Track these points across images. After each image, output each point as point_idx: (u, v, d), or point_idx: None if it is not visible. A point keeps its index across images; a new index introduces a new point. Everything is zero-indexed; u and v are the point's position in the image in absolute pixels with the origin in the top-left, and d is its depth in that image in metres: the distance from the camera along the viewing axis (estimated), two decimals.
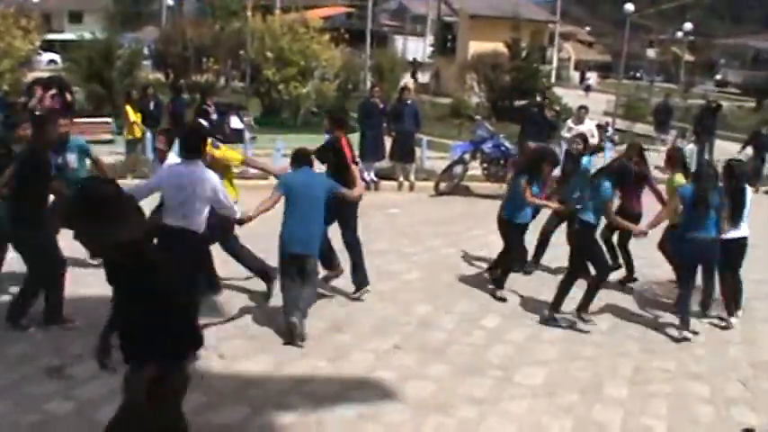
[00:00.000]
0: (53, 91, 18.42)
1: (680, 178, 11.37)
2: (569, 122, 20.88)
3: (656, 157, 19.12)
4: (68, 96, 19.97)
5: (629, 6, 38.35)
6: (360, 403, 7.83)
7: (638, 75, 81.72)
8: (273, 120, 29.12)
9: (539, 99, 30.70)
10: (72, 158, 10.95)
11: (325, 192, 9.57)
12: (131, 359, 5.13)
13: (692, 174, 11.20)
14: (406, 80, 39.82)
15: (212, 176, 8.56)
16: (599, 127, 21.30)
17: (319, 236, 9.83)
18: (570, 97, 38.67)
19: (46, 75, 26.96)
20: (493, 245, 14.42)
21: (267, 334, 9.48)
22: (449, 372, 8.75)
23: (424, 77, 52.90)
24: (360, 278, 10.99)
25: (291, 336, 9.15)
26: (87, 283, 10.50)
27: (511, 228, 11.73)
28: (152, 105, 20.91)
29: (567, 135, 19.93)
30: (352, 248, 11.09)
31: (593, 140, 19.42)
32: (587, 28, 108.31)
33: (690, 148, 25.83)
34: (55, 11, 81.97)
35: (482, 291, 11.76)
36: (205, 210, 8.55)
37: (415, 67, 56.13)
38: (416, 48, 65.90)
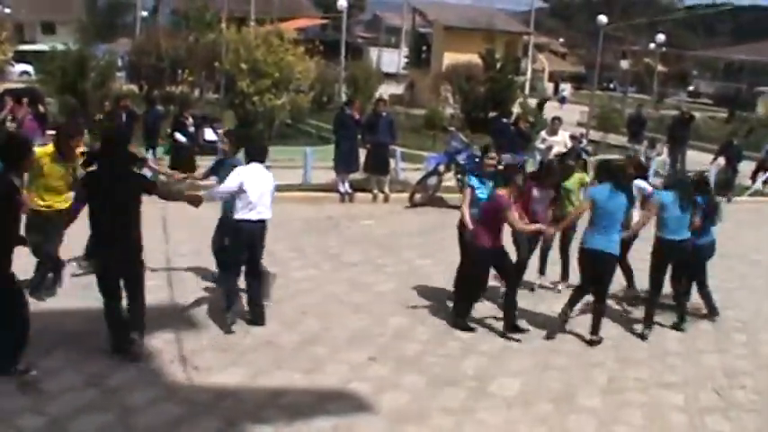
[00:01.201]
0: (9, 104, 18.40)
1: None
2: (543, 134, 21.00)
3: None
4: (41, 108, 19.90)
5: (603, 18, 38.53)
6: (335, 415, 7.85)
7: (611, 86, 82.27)
8: (248, 131, 29.04)
9: (515, 110, 30.84)
10: None
11: None
12: None
13: (673, 181, 11.41)
14: (381, 92, 39.89)
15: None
16: (573, 138, 21.38)
17: None
18: (545, 108, 38.86)
19: (19, 86, 26.91)
20: None
21: (241, 346, 9.46)
22: (424, 382, 8.78)
23: (398, 89, 52.97)
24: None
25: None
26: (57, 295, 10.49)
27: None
28: (124, 117, 20.79)
29: (542, 146, 20.07)
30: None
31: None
32: (561, 39, 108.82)
33: (661, 159, 26.05)
34: (27, 21, 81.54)
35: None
36: None
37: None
38: (391, 59, 66.06)
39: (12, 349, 8.10)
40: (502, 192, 10.22)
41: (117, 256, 8.47)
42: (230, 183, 9.84)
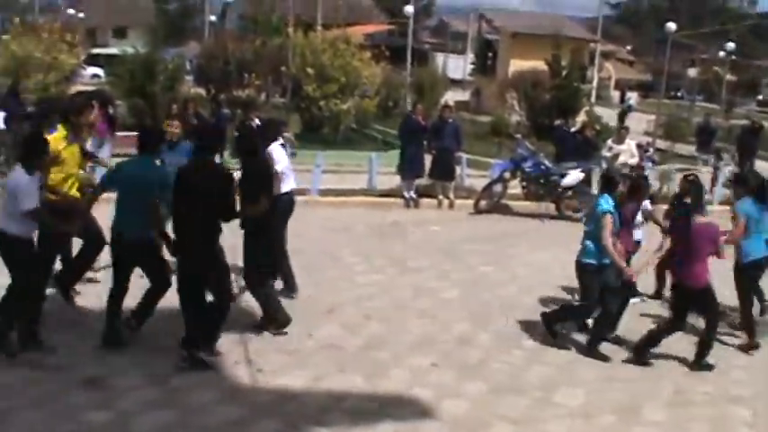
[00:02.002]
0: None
1: None
2: (609, 142, 20.78)
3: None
4: (111, 110, 20.16)
5: (671, 25, 38.14)
6: (396, 420, 7.81)
7: (678, 94, 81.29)
8: (314, 136, 29.15)
9: (579, 119, 30.62)
10: None
11: None
12: None
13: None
14: (446, 98, 39.81)
15: None
16: (639, 147, 21.13)
17: None
18: (610, 117, 38.52)
19: (90, 88, 27.29)
20: (533, 264, 14.42)
21: (304, 349, 9.47)
22: (486, 390, 8.71)
23: (464, 95, 52.80)
24: None
25: None
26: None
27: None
28: (193, 120, 20.94)
29: (608, 155, 19.86)
30: None
31: (634, 160, 19.32)
32: (628, 47, 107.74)
33: (730, 170, 25.62)
34: (100, 26, 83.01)
35: (521, 310, 11.67)
36: None
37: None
38: (457, 65, 65.90)
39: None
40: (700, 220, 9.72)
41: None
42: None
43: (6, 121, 19.32)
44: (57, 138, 9.28)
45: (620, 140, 20.14)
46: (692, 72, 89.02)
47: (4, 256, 8.48)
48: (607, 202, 9.82)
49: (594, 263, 9.86)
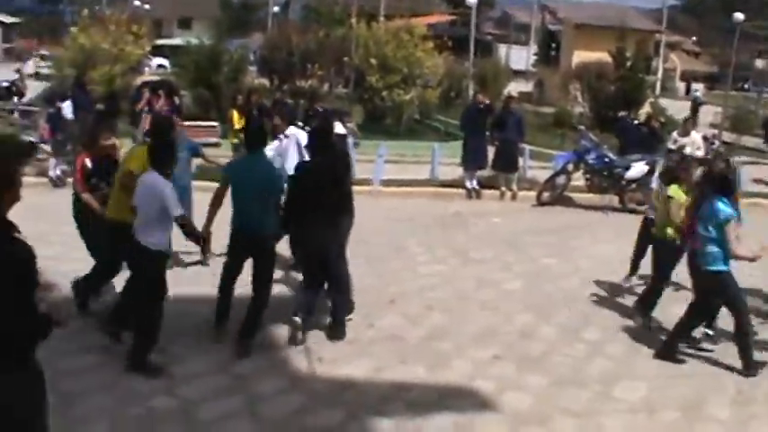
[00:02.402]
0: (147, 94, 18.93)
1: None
2: (675, 134, 20.52)
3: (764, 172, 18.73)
4: (177, 100, 20.43)
5: (739, 15, 37.54)
6: (457, 412, 7.79)
7: (746, 86, 79.98)
8: (376, 126, 29.20)
9: (643, 110, 30.31)
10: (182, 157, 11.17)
11: None
12: None
13: None
14: (509, 89, 39.66)
15: None
16: (705, 139, 20.85)
17: None
18: (675, 109, 38.04)
19: (155, 79, 27.63)
20: (596, 256, 14.30)
21: (365, 339, 9.49)
22: (547, 383, 8.64)
23: (527, 86, 52.52)
24: None
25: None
26: (191, 282, 10.71)
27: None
28: (255, 111, 21.06)
29: (673, 147, 19.62)
30: None
31: (699, 153, 19.06)
32: (694, 38, 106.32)
33: None
34: (165, 17, 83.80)
35: (583, 303, 11.59)
36: None
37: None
38: (520, 56, 65.57)
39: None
40: None
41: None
42: None
43: (74, 111, 19.62)
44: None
45: (686, 133, 19.87)
46: (761, 63, 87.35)
47: (138, 268, 8.36)
48: (727, 206, 9.17)
49: (725, 269, 9.29)
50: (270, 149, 10.68)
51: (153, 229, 7.97)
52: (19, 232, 4.74)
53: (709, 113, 42.68)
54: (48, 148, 18.69)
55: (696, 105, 42.94)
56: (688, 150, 18.97)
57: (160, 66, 50.11)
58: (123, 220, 8.39)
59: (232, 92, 26.80)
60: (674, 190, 10.35)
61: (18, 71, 41.88)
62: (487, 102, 19.78)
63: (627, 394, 8.53)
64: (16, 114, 24.50)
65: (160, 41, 53.93)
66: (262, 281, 8.84)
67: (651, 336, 10.31)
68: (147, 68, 39.30)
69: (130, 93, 24.05)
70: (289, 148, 11.87)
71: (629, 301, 11.60)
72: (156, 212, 7.90)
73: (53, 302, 5.05)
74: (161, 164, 8.06)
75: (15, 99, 31.23)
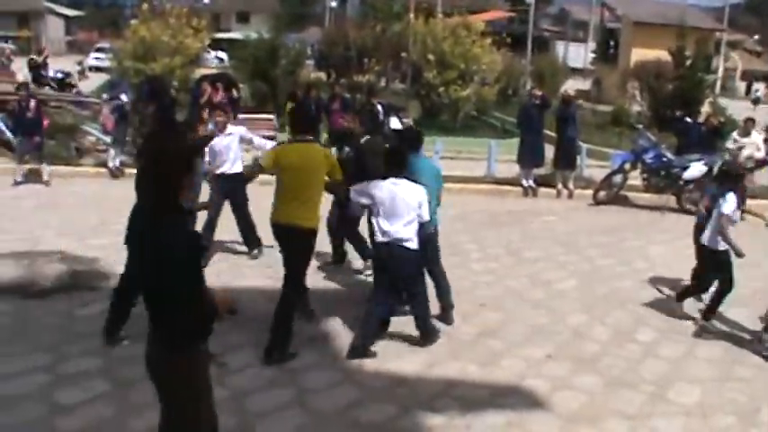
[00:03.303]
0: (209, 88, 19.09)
1: None
2: (735, 135, 20.30)
3: None
4: (235, 93, 20.58)
5: None
6: (508, 410, 7.79)
7: None
8: (433, 122, 29.18)
9: (703, 110, 29.99)
10: None
11: None
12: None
13: None
14: (567, 87, 39.48)
15: None
16: (766, 141, 20.57)
17: None
18: (736, 109, 37.55)
19: (213, 72, 27.85)
20: (652, 257, 14.19)
21: (417, 335, 9.48)
22: (600, 384, 8.60)
23: (584, 84, 52.24)
24: None
25: None
26: (244, 274, 10.80)
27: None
28: (313, 105, 21.16)
29: (733, 147, 19.41)
30: None
31: (759, 154, 18.84)
32: (756, 36, 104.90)
33: None
34: (224, 11, 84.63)
35: (637, 304, 11.50)
36: None
37: None
38: (577, 54, 65.21)
39: None
40: None
41: None
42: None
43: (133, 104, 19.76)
44: None
45: (746, 133, 19.64)
46: None
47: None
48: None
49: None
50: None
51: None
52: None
53: None
54: (108, 139, 18.93)
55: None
56: (747, 152, 18.77)
57: (218, 59, 50.51)
58: None
59: (289, 85, 27.01)
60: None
61: (80, 63, 42.48)
62: (540, 94, 19.70)
63: (681, 397, 8.45)
64: (73, 106, 24.79)
65: (219, 35, 54.39)
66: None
67: (706, 338, 10.23)
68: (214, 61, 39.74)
69: (190, 86, 24.28)
70: (231, 146, 11.79)
71: (685, 303, 11.50)
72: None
73: (217, 294, 5.20)
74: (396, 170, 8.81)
75: (73, 90, 31.74)
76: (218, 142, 11.40)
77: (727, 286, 10.33)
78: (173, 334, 4.97)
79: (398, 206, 8.57)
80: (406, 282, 8.97)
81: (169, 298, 4.80)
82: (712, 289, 10.53)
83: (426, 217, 8.69)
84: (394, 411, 7.58)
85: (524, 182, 19.22)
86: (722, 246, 10.19)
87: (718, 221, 10.14)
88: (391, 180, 8.68)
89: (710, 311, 10.43)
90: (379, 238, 8.70)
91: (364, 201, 8.89)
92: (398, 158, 8.83)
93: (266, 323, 8.68)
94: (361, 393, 7.87)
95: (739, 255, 10.08)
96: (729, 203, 10.08)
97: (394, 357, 8.77)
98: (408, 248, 8.66)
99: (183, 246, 4.74)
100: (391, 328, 9.50)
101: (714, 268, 10.45)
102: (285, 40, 33.63)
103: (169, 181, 4.73)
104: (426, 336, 9.28)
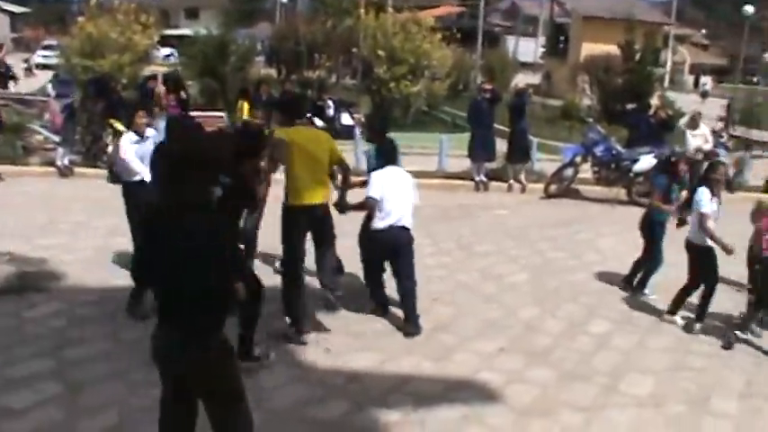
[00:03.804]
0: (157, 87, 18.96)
1: None
2: (683, 126, 20.53)
3: None
4: (183, 94, 20.41)
5: (749, 8, 37.50)
6: (463, 404, 7.79)
7: (754, 79, 79.81)
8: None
9: (653, 102, 30.25)
10: None
11: None
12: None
13: None
14: (517, 81, 39.68)
15: None
16: (714, 133, 20.79)
17: None
18: (684, 102, 37.92)
19: (163, 69, 27.59)
20: (603, 249, 14.30)
21: (371, 331, 9.50)
22: (553, 376, 8.65)
23: (534, 78, 52.51)
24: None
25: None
26: None
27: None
28: (264, 100, 21.04)
29: (692, 141, 19.51)
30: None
31: (708, 146, 19.02)
32: (703, 30, 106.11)
33: None
34: (172, 7, 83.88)
35: (588, 296, 11.59)
36: None
37: None
38: (527, 48, 65.48)
39: None
40: None
41: None
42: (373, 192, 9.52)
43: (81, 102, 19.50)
44: None
45: (694, 126, 19.83)
46: None
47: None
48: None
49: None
50: (131, 150, 10.07)
51: None
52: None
53: (717, 107, 42.58)
54: (56, 138, 18.67)
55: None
56: (696, 144, 18.95)
57: (168, 56, 50.10)
58: None
59: (239, 82, 26.85)
60: None
61: (26, 61, 41.90)
62: (490, 88, 19.77)
63: (633, 388, 8.52)
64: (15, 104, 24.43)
65: (168, 31, 53.94)
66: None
67: (658, 329, 10.34)
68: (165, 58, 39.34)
69: (139, 83, 24.05)
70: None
71: (635, 294, 11.65)
72: None
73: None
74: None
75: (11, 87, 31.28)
76: (139, 147, 10.19)
77: (712, 281, 10.35)
78: (217, 330, 5.21)
79: (403, 190, 9.68)
80: (404, 260, 9.72)
81: (216, 292, 5.02)
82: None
83: (418, 200, 9.96)
84: (348, 408, 7.55)
85: (476, 176, 19.27)
86: (708, 242, 10.20)
87: (699, 221, 10.18)
88: (389, 168, 9.61)
89: (703, 311, 10.48)
90: (385, 223, 9.47)
91: (378, 192, 9.40)
92: (391, 150, 9.89)
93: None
94: (316, 391, 7.83)
95: (728, 251, 10.05)
96: (705, 201, 10.12)
97: (347, 354, 8.75)
98: (409, 229, 9.68)
99: (232, 237, 5.17)
100: (343, 325, 9.50)
101: (702, 264, 10.38)
102: (235, 36, 33.44)
103: (209, 178, 5.05)
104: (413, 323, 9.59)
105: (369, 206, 9.43)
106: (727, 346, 9.89)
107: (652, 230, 11.55)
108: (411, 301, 9.69)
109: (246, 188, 7.52)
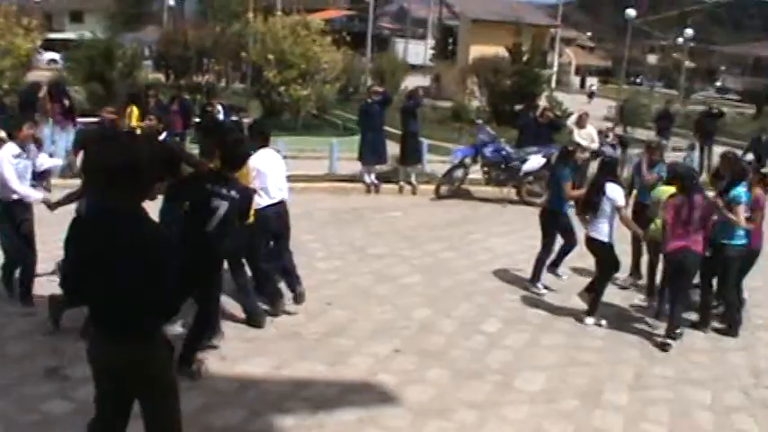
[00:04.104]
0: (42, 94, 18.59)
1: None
2: (570, 124, 20.93)
3: None
4: (67, 102, 19.99)
5: (631, 12, 38.41)
6: (360, 407, 7.81)
7: (638, 80, 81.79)
8: (274, 122, 28.98)
9: (541, 104, 30.78)
10: None
11: None
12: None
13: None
14: (407, 83, 39.88)
15: None
16: (600, 133, 21.21)
17: None
18: (572, 102, 38.63)
19: (47, 74, 26.94)
20: (494, 249, 14.47)
21: (265, 336, 9.45)
22: (448, 376, 8.72)
23: (424, 81, 52.87)
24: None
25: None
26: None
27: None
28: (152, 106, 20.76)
29: (581, 140, 19.88)
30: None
31: (594, 146, 19.40)
32: (588, 33, 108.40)
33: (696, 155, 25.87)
34: (56, 10, 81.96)
35: (481, 295, 11.73)
36: None
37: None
38: (417, 51, 65.92)
39: None
40: None
41: None
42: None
43: None
44: None
45: (581, 125, 20.21)
46: (652, 58, 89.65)
47: None
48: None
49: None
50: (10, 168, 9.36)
51: None
52: None
53: (602, 107, 43.50)
54: None
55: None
56: (583, 143, 19.32)
57: (51, 60, 49.02)
58: None
59: (127, 87, 26.39)
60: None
61: None
62: (382, 91, 19.84)
63: (526, 385, 8.66)
64: None
65: (51, 35, 52.78)
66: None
67: (549, 327, 10.54)
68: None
69: (21, 89, 23.43)
70: (35, 161, 10.28)
71: (527, 292, 11.86)
72: None
73: None
74: None
75: None
76: (20, 162, 9.48)
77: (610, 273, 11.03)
78: (153, 329, 5.26)
79: (280, 170, 10.04)
80: (287, 234, 10.29)
81: (152, 291, 4.95)
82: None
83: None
84: (244, 415, 7.50)
85: (367, 179, 19.30)
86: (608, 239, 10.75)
87: (616, 214, 10.73)
88: (264, 150, 9.84)
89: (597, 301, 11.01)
90: (270, 200, 9.75)
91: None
92: (265, 133, 10.28)
93: None
94: (211, 398, 7.75)
95: (643, 238, 11.33)
96: (618, 194, 10.66)
97: (241, 360, 8.68)
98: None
99: (163, 238, 5.20)
100: (237, 331, 9.43)
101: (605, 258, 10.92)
102: (121, 41, 32.92)
103: (144, 184, 5.08)
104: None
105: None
106: (674, 337, 10.26)
107: (556, 221, 11.84)
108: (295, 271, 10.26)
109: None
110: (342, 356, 9.07)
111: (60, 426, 7.08)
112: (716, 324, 11.05)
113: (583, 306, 11.05)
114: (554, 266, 12.32)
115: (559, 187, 11.81)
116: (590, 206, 10.79)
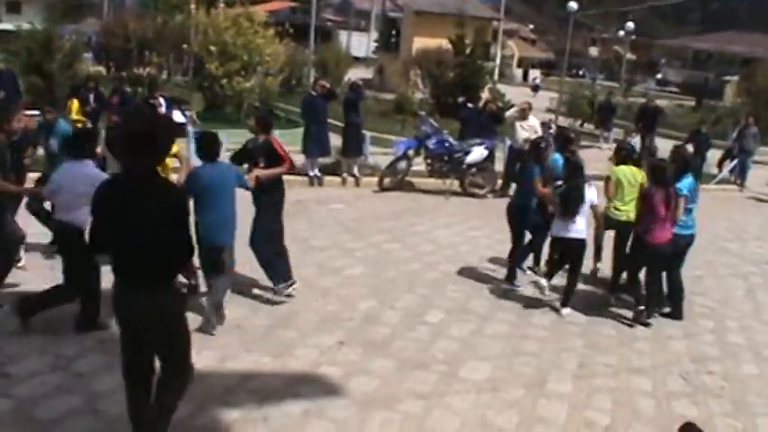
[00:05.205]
0: None
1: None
2: (511, 116, 21.05)
3: (597, 155, 19.27)
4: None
5: (573, 5, 38.62)
6: (305, 399, 7.81)
7: (580, 73, 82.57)
8: (216, 114, 28.88)
9: (483, 95, 30.97)
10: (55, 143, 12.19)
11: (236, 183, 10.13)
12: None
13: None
14: (350, 75, 39.87)
15: None
16: (543, 124, 21.37)
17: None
18: (514, 94, 38.86)
19: None
20: (437, 240, 14.52)
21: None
22: (393, 367, 8.75)
23: (367, 73, 52.83)
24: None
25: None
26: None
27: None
28: (92, 98, 20.58)
29: (525, 134, 19.99)
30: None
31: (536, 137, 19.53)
32: (531, 26, 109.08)
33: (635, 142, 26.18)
34: None
35: (425, 286, 11.79)
36: None
37: None
38: (360, 43, 65.95)
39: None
40: None
41: None
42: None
43: None
44: None
45: (524, 117, 20.34)
46: (594, 51, 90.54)
47: None
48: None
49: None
50: None
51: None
52: None
53: (545, 99, 43.83)
54: None
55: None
56: (525, 135, 19.44)
57: None
58: None
59: (67, 80, 26.09)
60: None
61: None
62: (327, 86, 19.81)
63: (472, 374, 8.73)
64: None
65: None
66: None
67: (493, 317, 10.62)
68: None
69: None
70: None
71: (470, 283, 11.93)
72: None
73: None
74: None
75: None
76: None
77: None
78: (168, 282, 6.06)
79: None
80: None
81: (171, 247, 5.82)
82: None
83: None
84: (190, 409, 7.42)
85: (310, 171, 19.24)
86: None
87: (592, 209, 11.19)
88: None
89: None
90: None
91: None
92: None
93: (51, 330, 8.44)
94: None
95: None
96: (594, 194, 11.00)
97: None
98: None
99: (183, 196, 6.19)
100: None
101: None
102: (60, 32, 32.45)
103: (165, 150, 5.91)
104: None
105: None
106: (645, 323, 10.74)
107: (525, 218, 11.91)
108: None
109: None
110: (287, 348, 9.05)
111: (0, 423, 7.00)
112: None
113: (527, 296, 11.16)
114: (536, 262, 12.60)
115: (529, 183, 11.74)
116: (575, 212, 10.84)
